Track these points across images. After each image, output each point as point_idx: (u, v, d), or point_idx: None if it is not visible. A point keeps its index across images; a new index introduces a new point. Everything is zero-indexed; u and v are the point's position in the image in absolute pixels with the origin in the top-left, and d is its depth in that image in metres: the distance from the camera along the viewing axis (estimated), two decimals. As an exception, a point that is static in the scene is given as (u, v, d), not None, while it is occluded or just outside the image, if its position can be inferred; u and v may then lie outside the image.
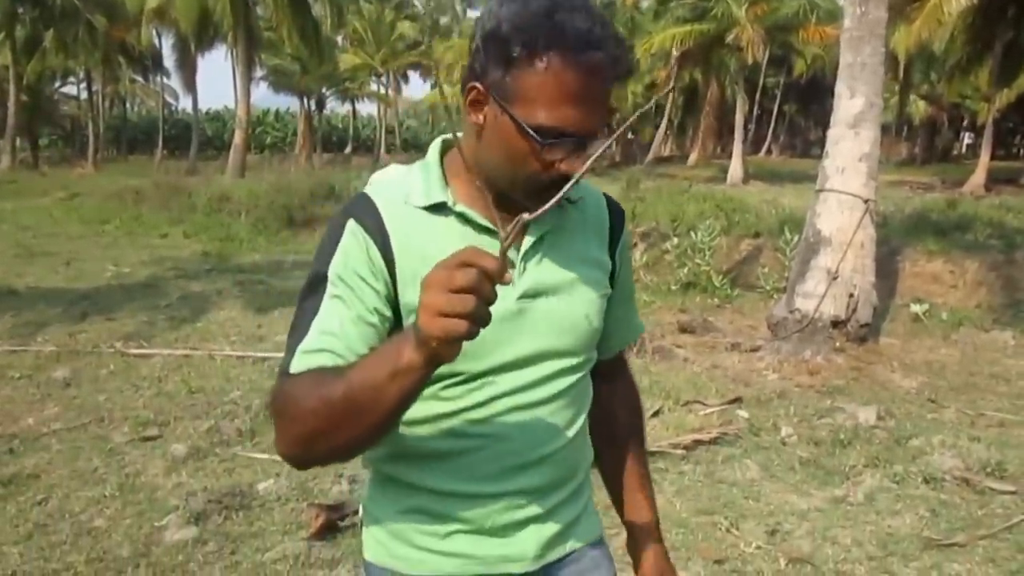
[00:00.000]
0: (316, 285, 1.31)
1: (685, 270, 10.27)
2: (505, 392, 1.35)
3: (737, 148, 26.59)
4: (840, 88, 7.30)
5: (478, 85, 1.25)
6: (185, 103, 61.19)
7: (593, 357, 1.50)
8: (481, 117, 1.27)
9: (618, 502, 1.68)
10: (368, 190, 1.37)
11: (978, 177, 19.87)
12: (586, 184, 1.45)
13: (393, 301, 1.32)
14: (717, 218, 11.21)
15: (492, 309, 1.04)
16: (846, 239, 7.04)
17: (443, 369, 1.15)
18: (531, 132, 1.21)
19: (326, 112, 59.66)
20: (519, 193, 1.29)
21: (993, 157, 22.01)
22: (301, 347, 1.25)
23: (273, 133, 63.37)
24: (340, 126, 67.61)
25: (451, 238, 1.32)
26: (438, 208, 1.34)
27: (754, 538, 4.00)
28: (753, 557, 3.84)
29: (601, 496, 1.63)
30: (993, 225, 10.88)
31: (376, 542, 1.48)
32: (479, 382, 1.34)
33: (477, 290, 0.99)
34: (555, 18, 1.18)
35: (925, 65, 33.05)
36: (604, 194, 1.54)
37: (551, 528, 1.47)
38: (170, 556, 3.75)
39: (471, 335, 1.01)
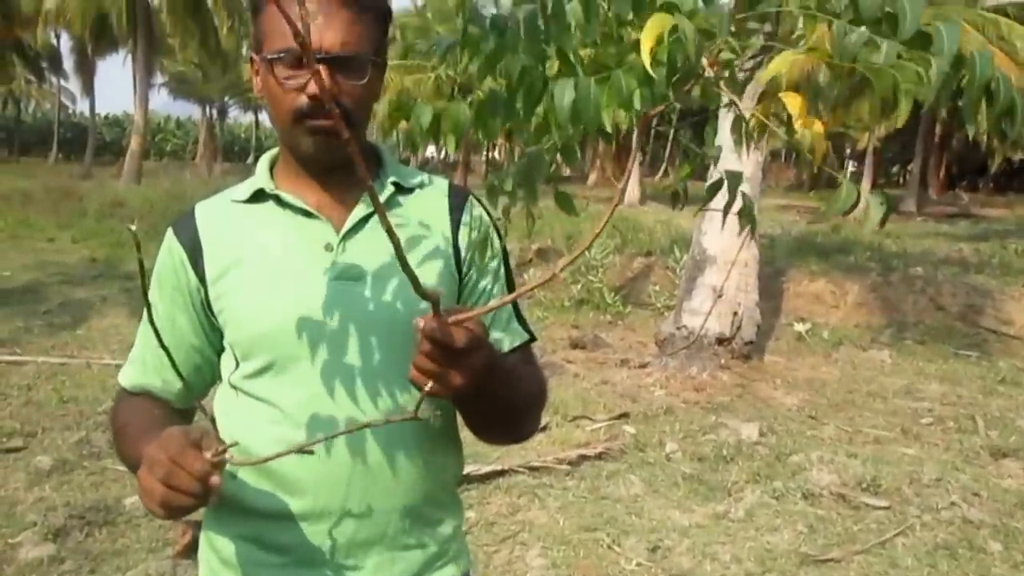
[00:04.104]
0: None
1: (578, 287, 10.31)
2: (323, 389, 1.24)
3: (634, 170, 26.97)
4: (724, 111, 7.43)
5: (253, 55, 1.24)
6: (83, 106, 58.63)
7: None
8: (259, 82, 1.25)
9: None
10: (199, 202, 1.36)
11: (861, 204, 20.62)
12: (431, 176, 1.40)
13: (206, 301, 1.31)
14: (611, 237, 11.31)
15: (304, 291, 1.21)
16: (730, 258, 7.17)
17: (254, 365, 1.26)
18: (259, 57, 1.22)
19: (228, 121, 58.51)
20: (291, 144, 1.26)
21: (875, 184, 22.83)
22: (129, 357, 1.39)
23: (174, 140, 62.07)
24: (243, 136, 66.27)
25: (271, 225, 1.28)
26: (258, 197, 1.30)
27: (635, 555, 3.98)
28: (633, 575, 3.82)
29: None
30: (872, 249, 11.28)
31: (209, 570, 1.42)
32: (291, 373, 1.25)
33: (173, 486, 1.03)
34: None
35: (812, 94, 34.20)
36: (449, 181, 1.42)
37: (399, 565, 1.32)
38: (22, 576, 3.55)
39: (174, 516, 1.11)
